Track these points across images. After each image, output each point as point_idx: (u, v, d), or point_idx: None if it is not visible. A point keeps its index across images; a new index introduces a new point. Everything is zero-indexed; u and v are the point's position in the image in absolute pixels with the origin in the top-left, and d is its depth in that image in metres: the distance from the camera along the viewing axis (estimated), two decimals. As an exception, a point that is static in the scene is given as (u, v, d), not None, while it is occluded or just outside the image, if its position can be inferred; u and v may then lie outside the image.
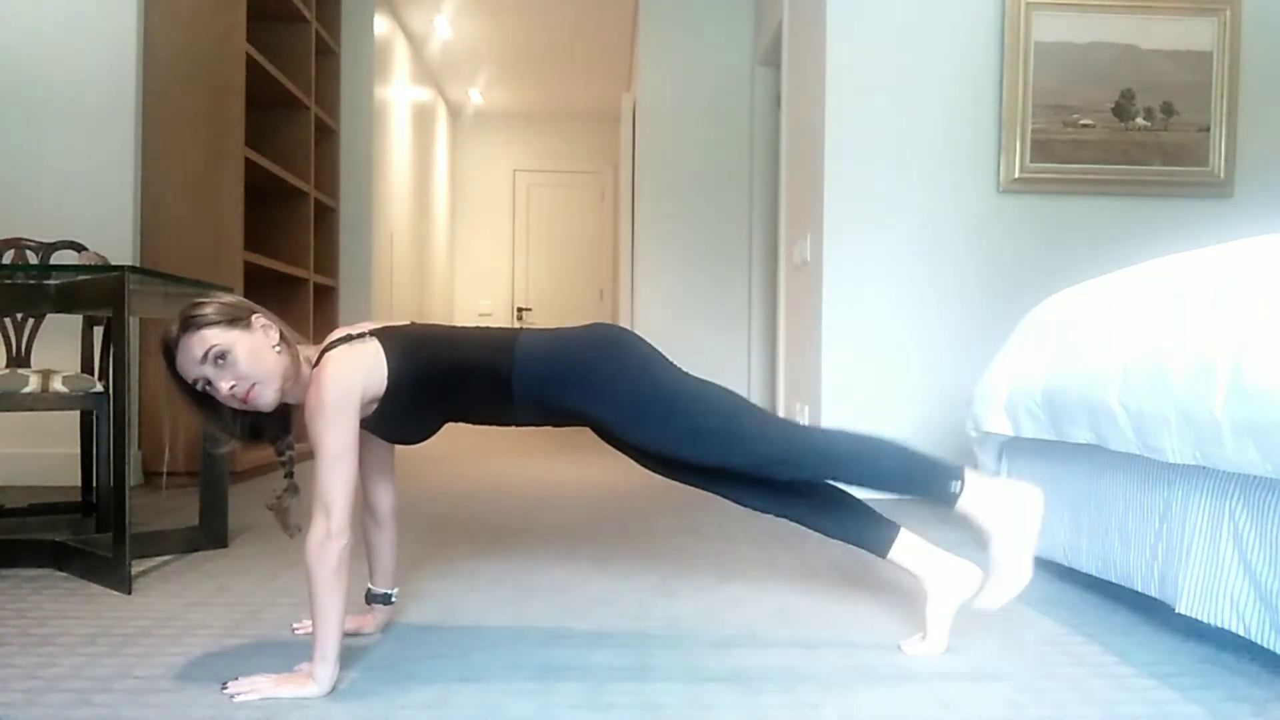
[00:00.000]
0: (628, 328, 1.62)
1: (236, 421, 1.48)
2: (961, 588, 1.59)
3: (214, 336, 1.40)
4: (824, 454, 1.55)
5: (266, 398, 1.43)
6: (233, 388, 1.40)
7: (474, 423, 1.59)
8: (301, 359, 1.49)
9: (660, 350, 1.57)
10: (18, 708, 1.29)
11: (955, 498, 1.52)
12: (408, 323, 1.58)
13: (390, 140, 5.91)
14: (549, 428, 1.64)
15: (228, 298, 1.48)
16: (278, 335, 1.46)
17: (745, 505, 1.67)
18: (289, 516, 1.51)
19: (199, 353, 1.39)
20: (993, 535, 1.52)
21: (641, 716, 1.29)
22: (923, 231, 3.53)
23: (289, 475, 1.53)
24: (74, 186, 3.57)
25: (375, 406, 1.49)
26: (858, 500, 1.67)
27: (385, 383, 1.47)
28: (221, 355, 1.39)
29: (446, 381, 1.51)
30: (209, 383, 1.41)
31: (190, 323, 1.41)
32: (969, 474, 1.55)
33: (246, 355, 1.40)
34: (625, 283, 5.57)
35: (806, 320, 3.81)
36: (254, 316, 1.45)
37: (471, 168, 8.49)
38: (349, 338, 1.47)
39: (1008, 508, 1.52)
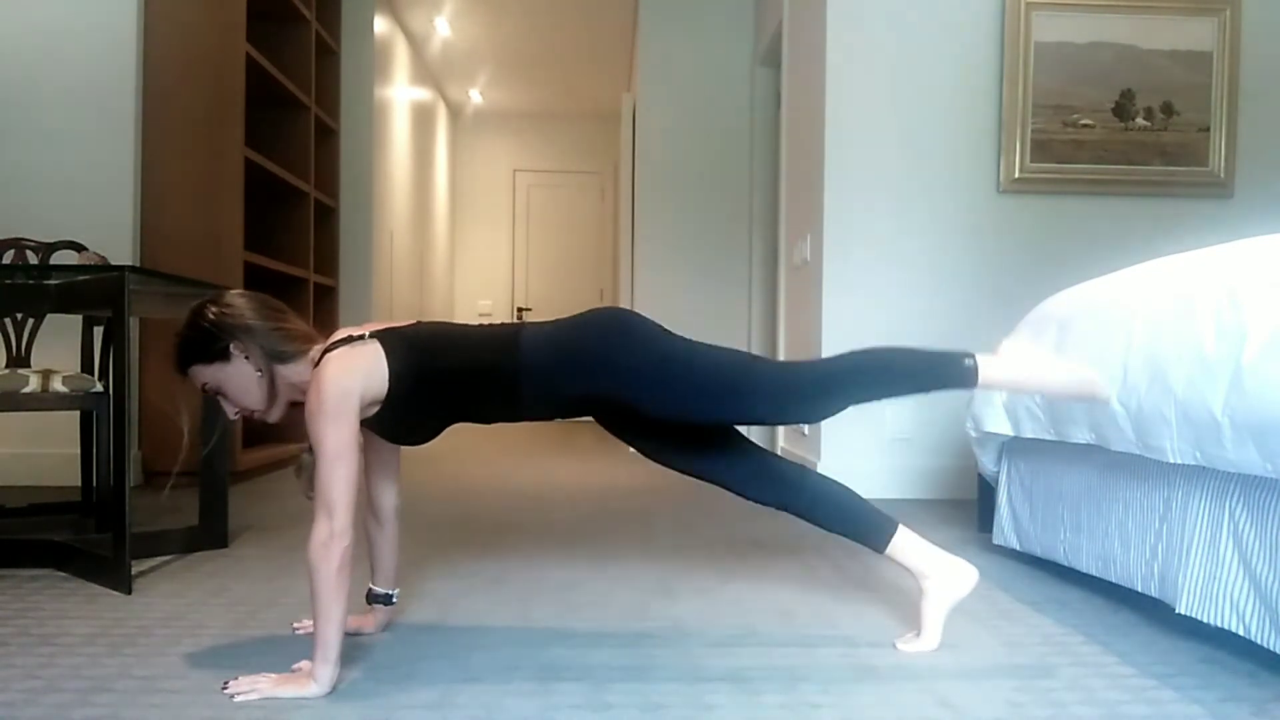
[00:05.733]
0: (624, 306, 1.62)
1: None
2: (958, 586, 1.61)
3: (202, 374, 1.48)
4: (842, 378, 1.54)
5: (269, 418, 1.52)
6: (236, 412, 1.52)
7: (481, 422, 1.58)
8: (306, 362, 1.49)
9: (659, 322, 1.58)
10: (18, 708, 1.29)
11: (974, 374, 1.50)
12: (413, 322, 1.56)
13: (390, 140, 5.91)
14: (553, 423, 1.65)
15: (208, 319, 1.45)
16: (255, 364, 1.47)
17: (744, 496, 1.67)
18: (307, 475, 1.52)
19: (197, 386, 1.51)
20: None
21: (641, 716, 1.29)
22: (923, 231, 3.53)
23: None
24: (74, 186, 3.57)
25: (377, 409, 1.48)
26: (857, 496, 1.68)
27: (386, 385, 1.46)
28: (216, 391, 1.50)
29: (451, 384, 1.51)
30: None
31: (179, 359, 1.49)
32: (983, 357, 1.53)
33: (234, 390, 1.49)
34: (625, 283, 5.57)
35: (806, 320, 3.81)
36: (232, 345, 1.46)
37: (471, 168, 8.49)
38: (350, 339, 1.47)
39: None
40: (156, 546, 2.31)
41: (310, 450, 1.51)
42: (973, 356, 1.51)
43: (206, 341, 1.46)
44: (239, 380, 1.47)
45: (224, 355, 1.46)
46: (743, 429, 1.88)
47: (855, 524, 1.65)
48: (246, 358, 1.46)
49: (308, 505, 1.40)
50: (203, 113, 3.65)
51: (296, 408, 1.52)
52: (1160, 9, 3.52)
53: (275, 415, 1.52)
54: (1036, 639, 1.68)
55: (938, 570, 1.61)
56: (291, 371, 1.49)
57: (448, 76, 7.50)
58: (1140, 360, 1.69)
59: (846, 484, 1.69)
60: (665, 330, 1.56)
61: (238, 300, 1.50)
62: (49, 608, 1.83)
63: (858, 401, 1.55)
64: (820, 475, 1.70)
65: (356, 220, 5.26)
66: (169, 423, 3.51)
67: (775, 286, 4.62)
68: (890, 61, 3.53)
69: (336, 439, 1.37)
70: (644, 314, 1.61)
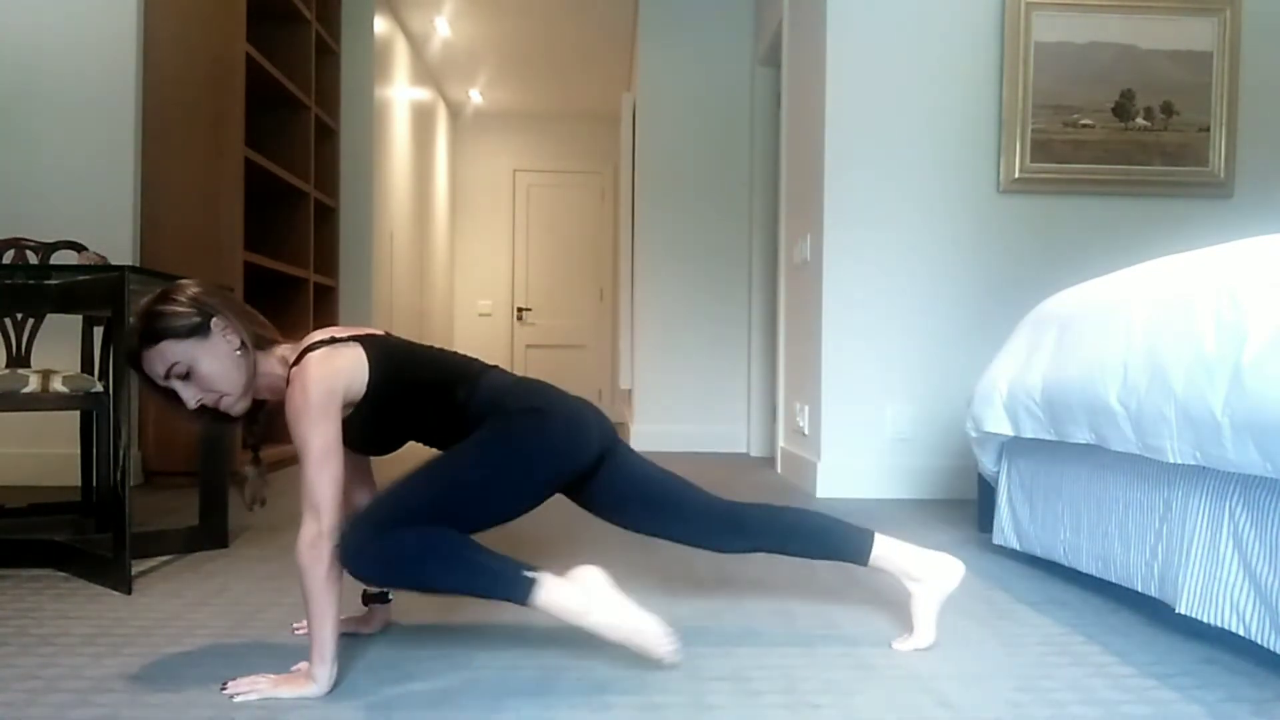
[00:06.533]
0: (590, 416, 1.56)
1: (205, 415, 1.48)
2: (946, 580, 1.62)
3: (174, 352, 1.40)
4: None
5: (234, 408, 1.46)
6: (199, 399, 1.43)
7: (426, 444, 1.57)
8: (275, 357, 1.49)
9: (590, 451, 1.56)
10: (18, 708, 1.29)
11: (530, 592, 1.40)
12: (382, 332, 1.56)
13: (390, 140, 5.91)
14: None
15: (186, 296, 1.43)
16: (238, 340, 1.44)
17: (711, 549, 1.66)
18: (254, 489, 1.53)
19: (161, 369, 1.41)
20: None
21: (641, 717, 1.29)
22: (923, 231, 3.53)
23: (256, 450, 1.55)
24: (74, 186, 3.57)
25: (348, 411, 1.48)
26: (828, 517, 1.68)
27: (364, 390, 1.46)
28: (184, 372, 1.41)
29: (412, 398, 1.51)
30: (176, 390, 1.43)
31: (149, 335, 1.40)
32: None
33: (208, 369, 1.42)
34: (625, 283, 5.57)
35: (806, 320, 3.81)
36: (213, 321, 1.43)
37: (471, 168, 8.49)
38: (333, 340, 1.46)
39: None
40: (156, 546, 2.31)
41: (254, 462, 1.53)
42: (535, 573, 1.40)
43: (185, 315, 1.41)
44: (216, 359, 1.42)
45: (203, 331, 1.42)
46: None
47: (833, 547, 1.65)
48: (226, 336, 1.44)
49: (295, 508, 1.39)
50: (203, 113, 3.65)
51: (254, 406, 1.52)
52: (1160, 9, 3.52)
53: (242, 406, 1.47)
54: (1036, 639, 1.68)
55: (924, 569, 1.62)
56: (263, 360, 1.47)
57: (448, 76, 7.50)
58: (1140, 360, 1.69)
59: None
60: (553, 463, 1.53)
61: (203, 286, 1.48)
62: (49, 608, 1.83)
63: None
64: (784, 508, 1.68)
65: (356, 220, 5.26)
66: (169, 422, 3.51)
67: (775, 286, 4.62)
68: (890, 61, 3.53)
69: (323, 439, 1.36)
70: (605, 424, 1.61)
